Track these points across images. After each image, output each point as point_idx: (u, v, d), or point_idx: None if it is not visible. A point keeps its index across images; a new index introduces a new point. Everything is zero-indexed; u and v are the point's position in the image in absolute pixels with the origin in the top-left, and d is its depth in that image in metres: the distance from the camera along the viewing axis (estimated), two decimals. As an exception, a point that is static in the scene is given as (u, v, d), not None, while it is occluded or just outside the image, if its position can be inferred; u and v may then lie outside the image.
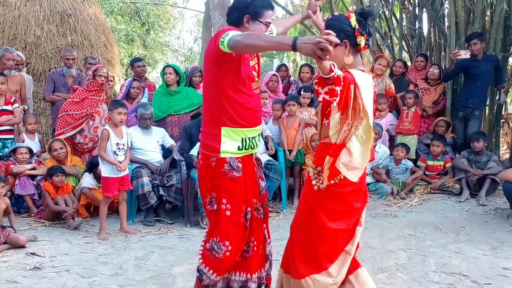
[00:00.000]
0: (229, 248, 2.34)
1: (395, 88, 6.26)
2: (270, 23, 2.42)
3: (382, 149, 5.82)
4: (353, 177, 2.20)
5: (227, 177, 2.34)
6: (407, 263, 3.51)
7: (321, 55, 1.82)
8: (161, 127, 5.22)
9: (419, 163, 5.80)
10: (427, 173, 5.74)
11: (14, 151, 4.98)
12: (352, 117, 2.14)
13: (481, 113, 6.25)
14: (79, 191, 4.80)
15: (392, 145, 6.09)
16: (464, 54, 5.68)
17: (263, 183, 2.57)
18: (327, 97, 2.02)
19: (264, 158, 5.05)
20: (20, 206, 4.85)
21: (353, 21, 2.24)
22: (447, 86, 6.38)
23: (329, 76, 1.93)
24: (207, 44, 2.39)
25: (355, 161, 2.20)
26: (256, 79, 2.44)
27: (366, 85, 2.19)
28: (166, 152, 5.14)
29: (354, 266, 2.41)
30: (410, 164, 5.70)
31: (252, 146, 2.43)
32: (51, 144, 5.06)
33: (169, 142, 5.13)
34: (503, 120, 7.87)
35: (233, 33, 2.14)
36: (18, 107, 5.22)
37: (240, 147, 2.37)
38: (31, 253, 3.70)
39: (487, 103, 6.65)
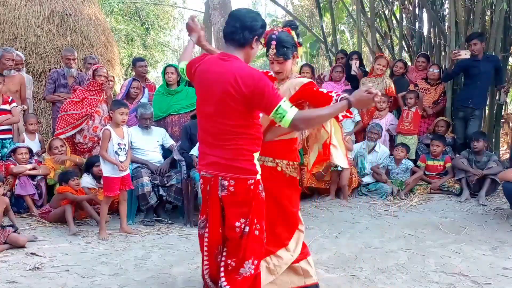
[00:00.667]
0: (256, 265, 2.38)
1: (395, 88, 6.27)
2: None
3: (382, 149, 5.82)
4: (346, 164, 2.79)
5: (260, 198, 2.39)
6: (407, 263, 3.51)
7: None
8: (161, 127, 5.22)
9: (419, 163, 5.79)
10: (427, 173, 5.74)
11: (14, 151, 4.98)
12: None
13: (481, 113, 6.25)
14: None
15: (392, 145, 6.09)
16: (465, 54, 5.68)
17: None
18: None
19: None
20: (20, 206, 4.84)
21: (295, 36, 2.67)
22: (447, 86, 6.38)
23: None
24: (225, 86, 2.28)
25: (342, 152, 2.70)
26: None
27: None
28: (166, 152, 5.14)
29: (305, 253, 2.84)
30: (410, 164, 5.70)
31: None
32: (51, 143, 5.07)
33: (169, 142, 5.13)
34: (503, 120, 7.88)
35: (292, 111, 2.21)
36: (16, 106, 5.22)
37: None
38: (31, 253, 3.70)
39: (487, 103, 6.65)
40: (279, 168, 2.67)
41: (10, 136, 5.20)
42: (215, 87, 2.29)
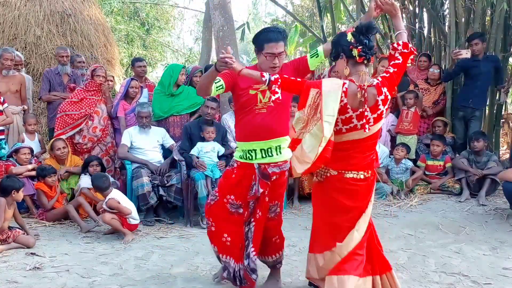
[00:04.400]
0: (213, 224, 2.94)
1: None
2: (271, 53, 2.70)
3: (382, 149, 5.81)
4: (300, 169, 2.48)
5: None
6: (407, 263, 3.51)
7: (226, 68, 2.52)
8: (162, 127, 5.22)
9: (419, 163, 5.79)
10: (427, 173, 5.73)
11: (16, 151, 4.98)
12: (308, 116, 2.48)
13: (482, 114, 6.24)
14: (78, 191, 4.80)
15: (393, 145, 6.07)
16: (465, 54, 5.68)
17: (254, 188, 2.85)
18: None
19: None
20: (20, 206, 4.80)
21: (349, 36, 2.52)
22: (447, 86, 6.37)
23: (266, 83, 2.51)
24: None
25: (305, 155, 2.46)
26: (260, 103, 2.80)
27: (333, 92, 2.43)
28: (166, 152, 5.14)
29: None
30: (410, 164, 5.70)
31: (250, 158, 2.85)
32: (53, 143, 5.05)
33: (169, 142, 5.12)
34: (503, 120, 7.86)
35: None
36: (8, 107, 5.20)
37: (242, 156, 2.89)
38: (31, 253, 3.71)
39: (487, 103, 6.64)
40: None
41: (3, 137, 5.18)
42: None
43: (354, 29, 2.55)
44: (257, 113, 2.80)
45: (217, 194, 2.94)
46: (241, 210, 2.88)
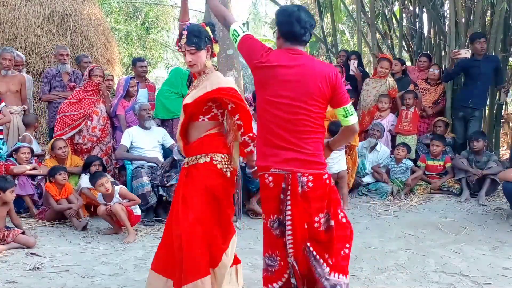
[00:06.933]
0: (349, 247, 2.40)
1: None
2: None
3: (383, 149, 5.81)
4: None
5: (335, 189, 2.45)
6: (407, 263, 3.51)
7: None
8: (170, 127, 5.28)
9: (419, 163, 5.79)
10: (427, 173, 5.73)
11: (16, 150, 4.98)
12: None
13: (481, 114, 6.25)
14: (78, 191, 4.80)
15: (394, 145, 6.07)
16: (465, 53, 5.68)
17: None
18: None
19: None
20: (20, 206, 4.83)
21: (209, 31, 2.67)
22: (447, 86, 6.38)
23: None
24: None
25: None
26: None
27: None
28: (167, 152, 5.14)
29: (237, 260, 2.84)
30: (410, 163, 5.70)
31: None
32: (54, 143, 5.05)
33: (170, 141, 5.13)
34: (503, 120, 7.87)
35: (355, 116, 2.43)
36: (5, 106, 5.20)
37: None
38: (31, 253, 3.70)
39: (487, 103, 6.65)
40: (214, 162, 2.59)
41: (2, 136, 5.17)
42: (306, 82, 2.29)
43: (206, 24, 2.68)
44: None
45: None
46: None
